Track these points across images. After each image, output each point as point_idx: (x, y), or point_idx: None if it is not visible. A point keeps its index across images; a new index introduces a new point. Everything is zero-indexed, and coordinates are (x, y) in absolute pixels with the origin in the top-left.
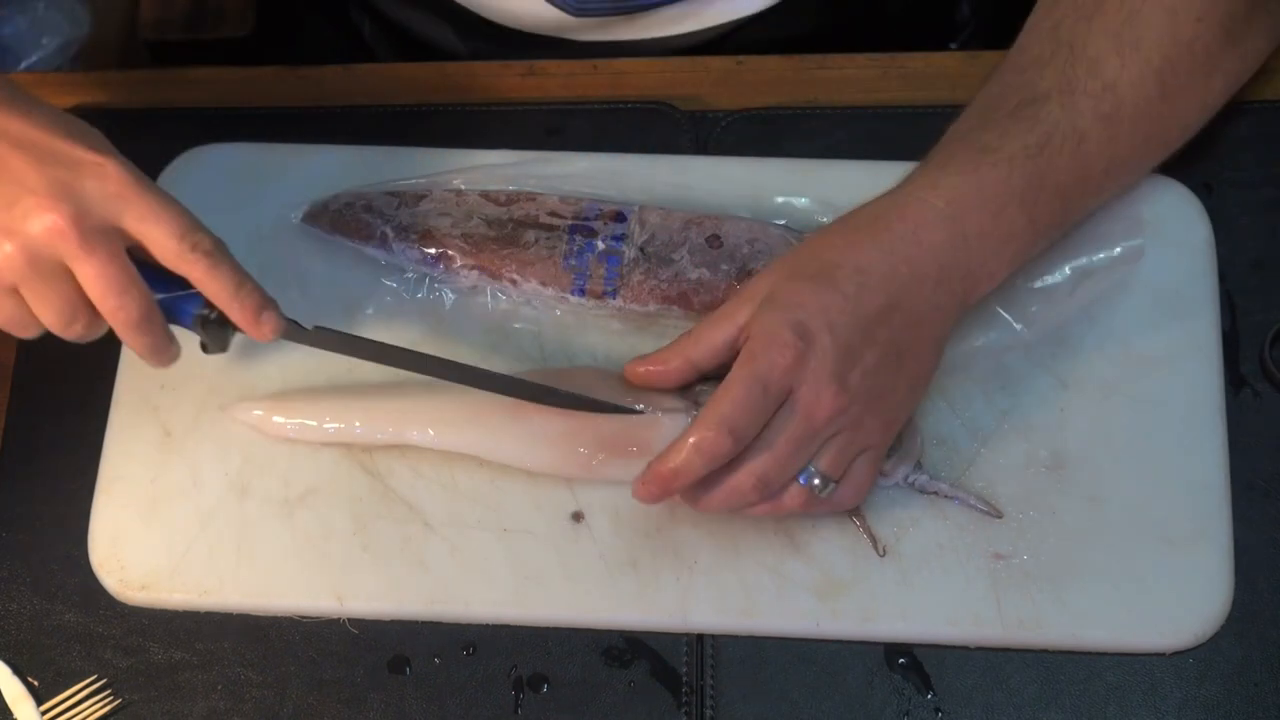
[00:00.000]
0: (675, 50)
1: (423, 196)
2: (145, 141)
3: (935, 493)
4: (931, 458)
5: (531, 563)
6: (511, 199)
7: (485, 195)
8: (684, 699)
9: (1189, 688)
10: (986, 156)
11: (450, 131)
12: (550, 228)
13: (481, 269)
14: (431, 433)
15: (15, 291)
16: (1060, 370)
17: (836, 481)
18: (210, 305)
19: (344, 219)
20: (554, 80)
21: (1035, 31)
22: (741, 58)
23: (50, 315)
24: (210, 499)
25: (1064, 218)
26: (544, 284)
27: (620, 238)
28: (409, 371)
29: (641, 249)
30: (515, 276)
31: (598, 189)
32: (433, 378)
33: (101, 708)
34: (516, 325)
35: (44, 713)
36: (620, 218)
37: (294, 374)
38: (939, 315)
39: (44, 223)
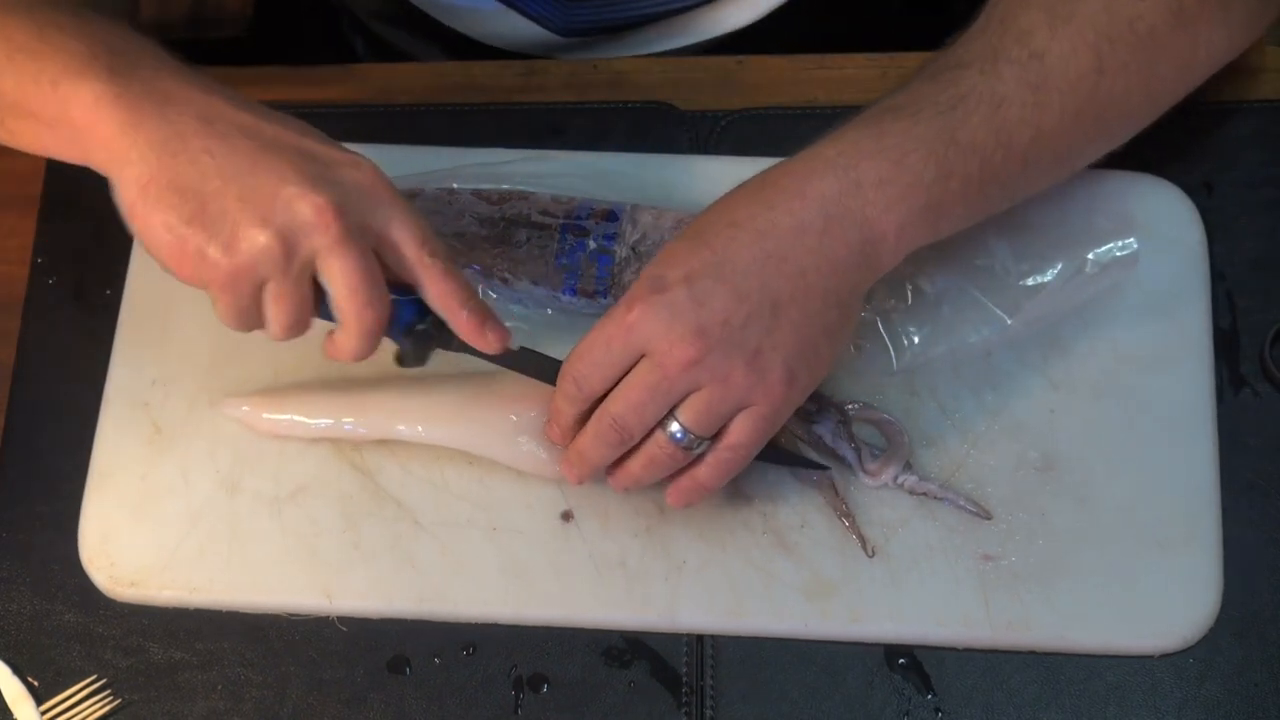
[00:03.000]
0: None
1: (414, 194)
2: None
3: (924, 494)
4: (921, 459)
5: (521, 562)
6: (503, 198)
7: (477, 194)
8: (684, 699)
9: (1189, 688)
10: (891, 112)
11: (450, 132)
12: (542, 227)
13: (473, 267)
14: (420, 428)
15: (259, 286)
16: (1051, 371)
17: (707, 439)
18: (423, 315)
19: None
20: (554, 80)
21: (977, 14)
22: (741, 57)
23: (283, 316)
24: (200, 496)
25: (984, 180)
26: (536, 283)
27: (612, 237)
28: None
29: (633, 248)
30: (507, 275)
31: (591, 188)
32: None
33: (101, 708)
34: (508, 324)
35: (44, 713)
36: (612, 217)
37: (285, 371)
38: (828, 266)
39: (309, 209)
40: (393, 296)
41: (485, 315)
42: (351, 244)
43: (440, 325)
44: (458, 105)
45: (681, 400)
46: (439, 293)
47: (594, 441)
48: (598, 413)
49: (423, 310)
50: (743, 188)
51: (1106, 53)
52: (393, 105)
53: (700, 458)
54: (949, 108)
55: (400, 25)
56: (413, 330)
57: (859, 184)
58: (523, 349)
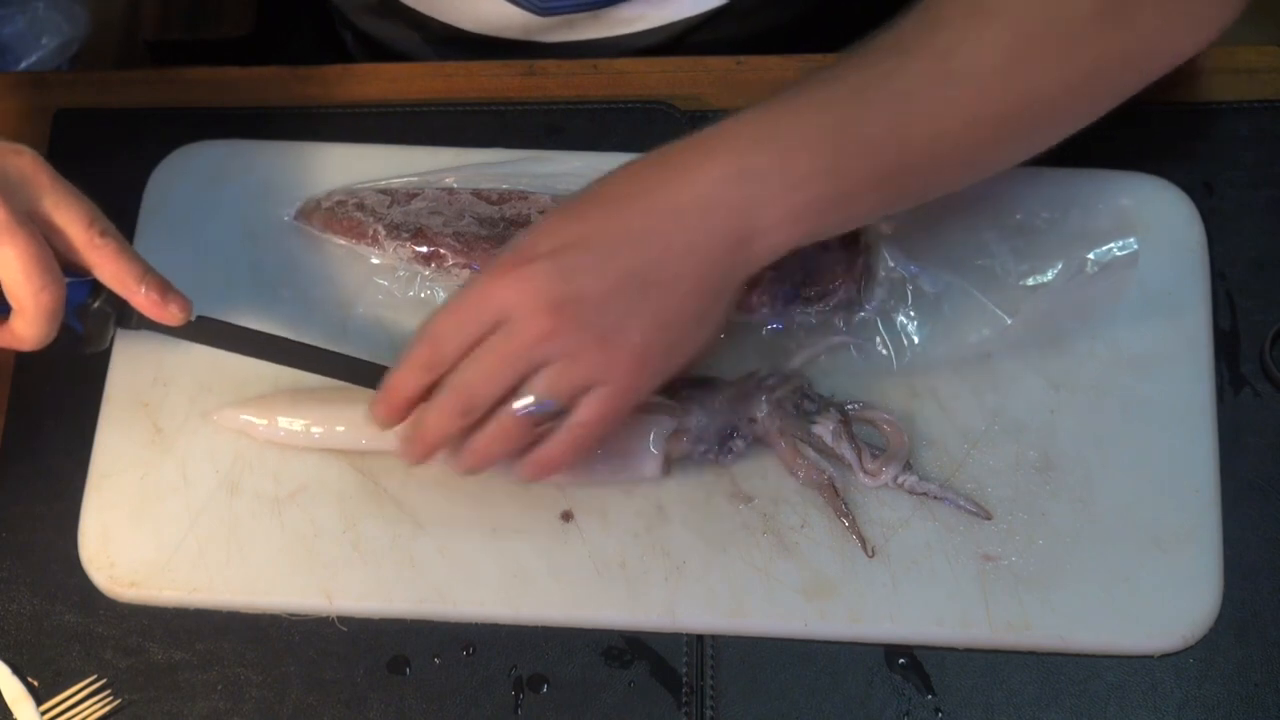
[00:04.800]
0: (646, 46)
1: (415, 195)
2: (144, 141)
3: (924, 494)
4: (921, 459)
5: (520, 562)
6: (504, 198)
7: (477, 194)
8: (684, 699)
9: (1189, 688)
10: (788, 103)
11: (450, 132)
12: None
13: (473, 267)
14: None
15: None
16: (1050, 371)
17: (552, 411)
18: (95, 295)
19: (336, 217)
20: (554, 80)
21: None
22: (741, 58)
23: None
24: (200, 496)
25: (878, 175)
26: None
27: None
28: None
29: None
30: None
31: None
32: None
33: (101, 708)
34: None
35: (44, 713)
36: None
37: (286, 372)
38: (701, 252)
39: None
40: (75, 280)
41: (165, 288)
42: (18, 229)
43: (117, 302)
44: (458, 105)
45: (534, 373)
46: (113, 272)
47: (438, 413)
48: (445, 382)
49: (97, 289)
50: (630, 165)
51: (1020, 48)
52: (393, 105)
53: (551, 434)
54: (846, 100)
55: (382, 15)
56: (89, 311)
57: (742, 173)
58: (202, 318)
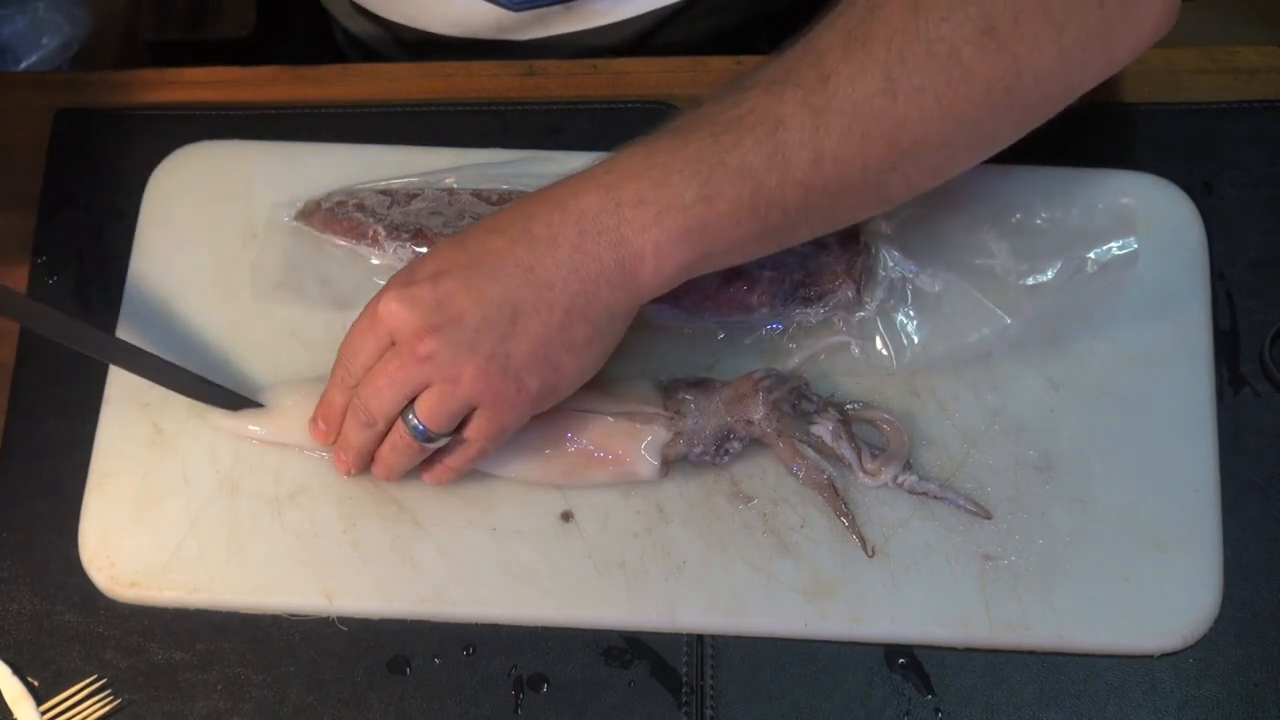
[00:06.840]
0: (623, 39)
1: (415, 195)
2: (145, 141)
3: (924, 494)
4: (921, 459)
5: (520, 562)
6: (503, 198)
7: (477, 194)
8: (684, 699)
9: (1189, 688)
10: (670, 133)
11: (450, 132)
12: None
13: None
14: None
15: None
16: (1050, 371)
17: (439, 435)
18: None
19: (336, 217)
20: (554, 80)
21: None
22: (741, 57)
23: None
24: (201, 496)
25: (757, 203)
26: None
27: None
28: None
29: None
30: None
31: None
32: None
33: (101, 708)
34: None
35: (44, 713)
36: None
37: (285, 372)
38: (578, 280)
39: None
40: None
41: None
42: None
43: None
44: (458, 105)
45: (420, 392)
46: None
47: (350, 424)
48: (354, 398)
49: None
50: (522, 197)
51: (898, 74)
52: (393, 105)
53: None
54: (724, 129)
55: (365, 17)
56: None
57: (619, 203)
58: None
